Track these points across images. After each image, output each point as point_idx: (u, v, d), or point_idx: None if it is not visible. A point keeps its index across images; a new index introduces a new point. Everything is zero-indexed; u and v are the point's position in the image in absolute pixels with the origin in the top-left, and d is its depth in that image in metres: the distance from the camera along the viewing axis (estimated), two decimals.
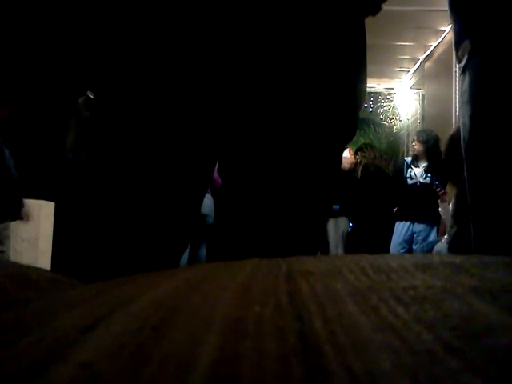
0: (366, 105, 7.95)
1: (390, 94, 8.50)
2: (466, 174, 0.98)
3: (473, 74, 0.95)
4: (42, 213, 5.37)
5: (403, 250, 4.79)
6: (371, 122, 8.82)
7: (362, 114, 0.86)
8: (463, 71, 0.98)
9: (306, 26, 0.70)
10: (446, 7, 1.07)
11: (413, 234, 4.88)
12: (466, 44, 0.97)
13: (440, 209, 4.61)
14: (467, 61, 0.97)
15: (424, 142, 4.86)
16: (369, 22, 0.78)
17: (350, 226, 5.87)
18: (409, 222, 4.88)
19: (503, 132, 0.90)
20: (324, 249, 5.28)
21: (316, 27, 0.70)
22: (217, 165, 0.78)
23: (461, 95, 0.99)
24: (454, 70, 5.67)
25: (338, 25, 0.72)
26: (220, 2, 0.67)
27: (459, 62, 1.00)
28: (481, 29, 0.95)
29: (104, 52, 0.72)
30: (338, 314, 0.19)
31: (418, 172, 4.92)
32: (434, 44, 6.68)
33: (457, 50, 1.01)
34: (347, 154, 5.56)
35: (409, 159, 5.15)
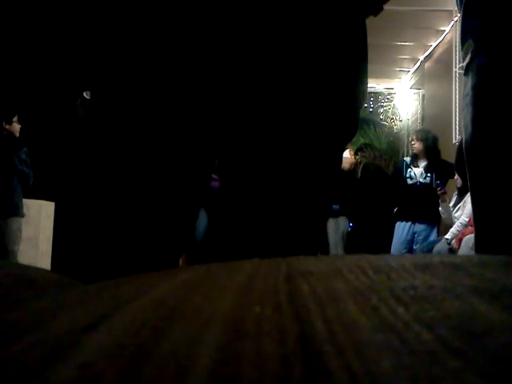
0: (365, 105, 7.95)
1: (390, 94, 8.50)
2: (468, 175, 0.98)
3: (476, 75, 0.94)
4: (42, 213, 5.38)
5: (405, 251, 4.79)
6: (371, 122, 8.81)
7: (361, 114, 0.86)
8: (466, 72, 0.98)
9: (307, 26, 0.70)
10: (446, 7, 1.07)
11: (414, 234, 4.88)
12: (470, 43, 0.96)
13: (440, 208, 4.61)
14: (470, 60, 0.96)
15: (423, 140, 4.86)
16: (369, 22, 0.78)
17: (350, 226, 5.87)
18: (409, 222, 4.88)
19: (505, 134, 0.90)
20: (324, 249, 5.27)
21: (317, 27, 0.70)
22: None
23: (463, 98, 0.99)
24: (454, 69, 5.68)
25: (340, 25, 0.72)
26: (220, 2, 0.67)
27: (462, 60, 1.00)
28: (484, 27, 0.95)
29: (103, 52, 0.72)
30: (338, 314, 0.19)
31: (417, 172, 4.92)
32: (434, 44, 6.69)
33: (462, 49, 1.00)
34: (347, 154, 5.56)
35: (408, 159, 5.15)
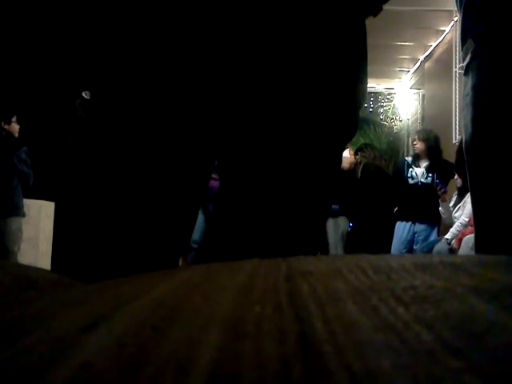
0: (365, 105, 7.95)
1: (390, 94, 8.49)
2: (468, 175, 0.98)
3: (476, 75, 0.94)
4: (42, 213, 5.38)
5: (405, 250, 4.78)
6: (371, 122, 8.81)
7: (361, 114, 0.86)
8: (466, 72, 0.98)
9: (307, 26, 0.70)
10: (446, 7, 1.07)
11: (414, 234, 4.87)
12: (470, 42, 0.96)
13: (441, 208, 4.61)
14: (470, 60, 0.96)
15: (425, 140, 4.86)
16: (369, 22, 0.78)
17: (349, 226, 5.87)
18: (410, 222, 4.87)
19: (505, 134, 0.90)
20: (324, 249, 5.27)
21: (317, 27, 0.70)
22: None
23: (463, 98, 0.99)
24: (454, 69, 5.68)
25: (339, 25, 0.72)
26: (220, 2, 0.67)
27: (462, 60, 1.00)
28: (484, 28, 0.95)
29: (102, 52, 0.72)
30: (338, 314, 0.19)
31: (419, 172, 4.92)
32: (434, 44, 6.69)
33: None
34: (347, 153, 5.56)
35: (410, 159, 5.14)
